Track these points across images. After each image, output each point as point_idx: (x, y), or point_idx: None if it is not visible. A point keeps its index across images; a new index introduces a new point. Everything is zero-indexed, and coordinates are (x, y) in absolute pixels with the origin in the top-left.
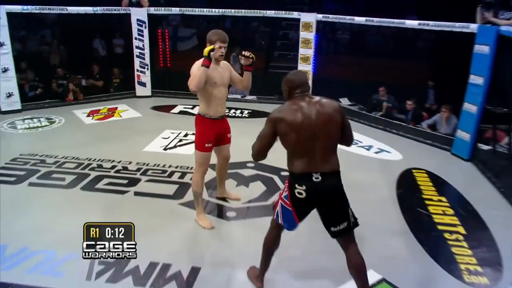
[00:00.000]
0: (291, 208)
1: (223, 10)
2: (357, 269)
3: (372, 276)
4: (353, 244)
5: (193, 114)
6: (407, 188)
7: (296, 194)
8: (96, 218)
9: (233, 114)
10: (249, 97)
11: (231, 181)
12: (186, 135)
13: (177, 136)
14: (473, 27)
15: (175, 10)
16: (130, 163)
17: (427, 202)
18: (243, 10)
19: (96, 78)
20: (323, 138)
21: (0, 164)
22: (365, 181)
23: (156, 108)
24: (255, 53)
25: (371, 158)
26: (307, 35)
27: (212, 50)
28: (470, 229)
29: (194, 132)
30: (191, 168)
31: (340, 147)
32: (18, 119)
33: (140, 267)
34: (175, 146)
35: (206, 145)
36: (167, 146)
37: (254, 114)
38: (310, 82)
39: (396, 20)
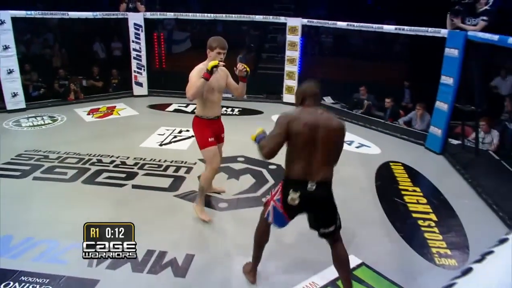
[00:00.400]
0: (282, 210)
1: (215, 15)
2: (342, 262)
3: (353, 261)
4: (339, 241)
5: (187, 112)
6: (385, 179)
7: (289, 200)
8: (97, 210)
9: (224, 112)
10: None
11: (222, 174)
12: (180, 131)
13: (172, 132)
14: (443, 32)
15: (170, 15)
16: (128, 158)
17: (403, 192)
18: (233, 15)
19: (96, 78)
20: (324, 149)
21: (6, 159)
22: (346, 173)
23: (152, 106)
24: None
25: (352, 152)
26: (293, 38)
27: (216, 66)
28: (441, 216)
29: (194, 135)
30: (185, 162)
31: None
32: (23, 118)
33: (138, 255)
34: (170, 142)
35: (210, 139)
36: (162, 142)
37: (244, 112)
38: (296, 82)
39: (375, 25)
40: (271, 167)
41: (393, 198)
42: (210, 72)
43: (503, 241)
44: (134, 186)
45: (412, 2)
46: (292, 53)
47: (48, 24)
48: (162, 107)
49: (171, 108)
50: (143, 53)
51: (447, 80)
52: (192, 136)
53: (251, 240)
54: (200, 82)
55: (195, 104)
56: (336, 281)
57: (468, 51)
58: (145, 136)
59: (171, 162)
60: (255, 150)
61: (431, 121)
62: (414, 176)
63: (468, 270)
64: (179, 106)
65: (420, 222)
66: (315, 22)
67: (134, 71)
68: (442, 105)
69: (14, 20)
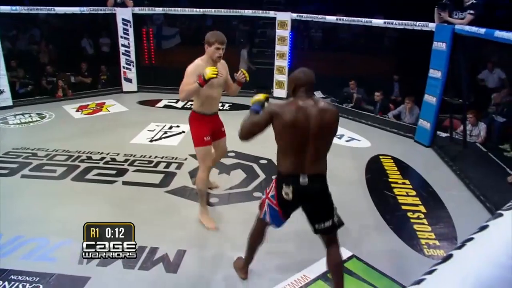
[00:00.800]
0: (277, 207)
1: (204, 9)
2: (335, 267)
3: (344, 253)
4: (335, 244)
5: (177, 108)
6: (374, 172)
7: (283, 194)
8: (87, 207)
9: None
10: None
11: (213, 169)
12: (170, 127)
13: (162, 128)
14: (431, 26)
15: (159, 10)
16: (118, 154)
17: (392, 185)
18: (222, 10)
19: (85, 75)
20: (315, 142)
21: None
22: (337, 167)
23: (142, 102)
24: (234, 49)
25: (343, 146)
26: (283, 32)
27: (214, 76)
28: (430, 208)
29: (190, 131)
30: (176, 158)
31: None
32: (10, 115)
33: None
34: (160, 138)
35: (205, 138)
36: (152, 138)
37: (234, 107)
38: (286, 77)
39: (364, 19)
40: (262, 161)
41: (383, 191)
42: (206, 81)
43: (483, 228)
44: (124, 183)
45: None
46: (282, 48)
47: (35, 19)
48: (152, 103)
49: (161, 104)
50: (132, 49)
51: (435, 73)
52: (183, 132)
53: (242, 234)
54: (193, 88)
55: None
56: (327, 273)
57: (456, 44)
58: (135, 132)
59: (162, 158)
60: (245, 145)
61: (420, 115)
62: (404, 169)
63: (449, 257)
64: (169, 102)
65: (409, 214)
66: (305, 17)
67: (123, 67)
68: (430, 99)
69: None
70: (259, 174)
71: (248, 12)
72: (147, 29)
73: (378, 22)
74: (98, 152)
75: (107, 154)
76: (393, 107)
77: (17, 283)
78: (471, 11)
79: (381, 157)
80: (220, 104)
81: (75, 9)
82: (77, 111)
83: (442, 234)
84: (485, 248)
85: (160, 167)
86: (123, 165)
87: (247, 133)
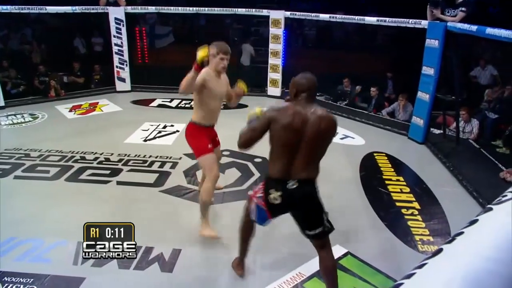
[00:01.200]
0: (265, 208)
1: (197, 8)
2: (327, 271)
3: (338, 250)
4: (326, 248)
5: (171, 107)
6: (369, 170)
7: (272, 198)
8: (81, 207)
9: None
10: None
11: None
12: (164, 127)
13: (156, 128)
14: (424, 23)
15: (152, 9)
16: (112, 154)
17: (386, 182)
18: (215, 8)
19: (77, 74)
20: (308, 148)
21: None
22: (331, 164)
23: (135, 102)
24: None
25: (337, 143)
26: (276, 31)
27: (205, 55)
28: (424, 205)
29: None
30: (170, 157)
31: None
32: (2, 116)
33: None
34: (154, 138)
35: (209, 146)
36: (146, 137)
37: (227, 106)
38: (280, 75)
39: (357, 17)
40: (256, 160)
41: (377, 188)
42: (201, 65)
43: (473, 222)
44: (118, 183)
45: None
46: (276, 46)
47: (26, 19)
48: (145, 102)
49: (155, 103)
50: (125, 48)
51: (428, 70)
52: (177, 131)
53: (237, 233)
54: (190, 75)
55: (181, 98)
56: None
57: (448, 41)
58: (129, 132)
59: (156, 157)
60: None
61: (413, 112)
62: (398, 165)
63: (439, 251)
64: (163, 101)
65: (403, 210)
66: (298, 15)
67: (117, 67)
68: (423, 96)
69: None
70: (254, 172)
71: (241, 11)
72: (140, 28)
73: (371, 20)
74: (92, 152)
75: (101, 154)
76: (387, 104)
77: (11, 285)
78: (463, 8)
79: (375, 154)
80: None
81: (67, 8)
82: (70, 111)
83: (436, 230)
84: (475, 242)
85: (155, 167)
86: (117, 165)
87: (246, 140)
